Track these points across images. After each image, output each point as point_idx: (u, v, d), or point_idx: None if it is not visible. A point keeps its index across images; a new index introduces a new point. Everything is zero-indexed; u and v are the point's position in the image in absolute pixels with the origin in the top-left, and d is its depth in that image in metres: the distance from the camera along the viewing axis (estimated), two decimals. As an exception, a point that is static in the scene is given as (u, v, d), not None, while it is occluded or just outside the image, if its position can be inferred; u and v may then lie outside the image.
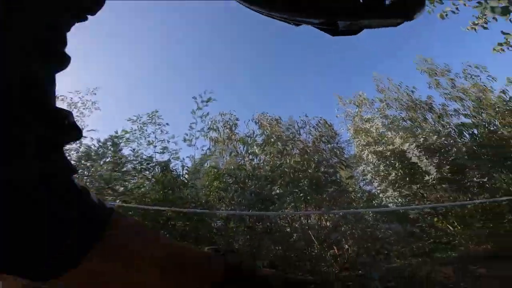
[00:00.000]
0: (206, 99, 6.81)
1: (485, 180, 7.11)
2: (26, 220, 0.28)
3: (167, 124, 6.81)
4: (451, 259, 5.98)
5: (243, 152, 6.64)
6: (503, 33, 2.99)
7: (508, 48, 3.26)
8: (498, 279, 4.32)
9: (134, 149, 6.50)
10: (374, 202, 7.42)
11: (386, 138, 7.69)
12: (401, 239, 5.97)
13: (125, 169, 6.36)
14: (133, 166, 6.41)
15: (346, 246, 6.19)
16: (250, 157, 6.37)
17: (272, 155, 6.08)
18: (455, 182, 7.03)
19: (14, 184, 0.27)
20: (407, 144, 6.80)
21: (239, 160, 6.64)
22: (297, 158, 5.46)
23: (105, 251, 0.33)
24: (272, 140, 6.03)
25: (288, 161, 5.46)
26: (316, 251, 5.61)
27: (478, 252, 6.33)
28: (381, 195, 7.14)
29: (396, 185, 7.00)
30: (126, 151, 6.64)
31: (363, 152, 7.83)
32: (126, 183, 6.24)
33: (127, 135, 6.52)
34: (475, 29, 3.56)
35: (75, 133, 0.35)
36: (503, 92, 11.55)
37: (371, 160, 7.40)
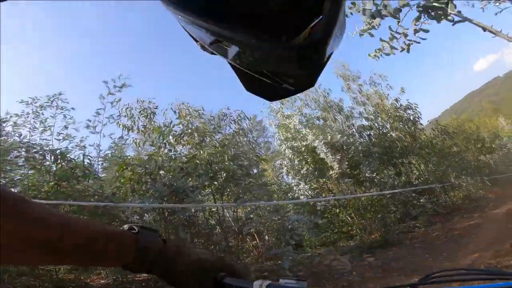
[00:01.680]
0: (120, 85, 6.07)
1: (375, 175, 8.29)
2: None
3: (72, 108, 6.10)
4: (349, 248, 6.79)
5: (159, 142, 6.11)
6: (381, 40, 3.21)
7: (381, 56, 3.44)
8: (381, 268, 5.01)
9: (21, 135, 5.71)
10: (289, 194, 7.87)
11: (301, 135, 8.23)
12: (311, 229, 6.42)
13: (9, 157, 5.45)
14: (19, 153, 5.54)
15: (267, 238, 6.40)
16: (168, 147, 5.92)
17: (189, 146, 5.75)
18: (353, 176, 8.04)
19: None
20: (317, 141, 7.38)
21: (153, 150, 6.08)
22: (213, 150, 5.26)
23: None
24: (190, 131, 5.67)
25: (203, 153, 5.21)
26: (234, 242, 5.66)
27: (371, 240, 7.39)
28: (295, 188, 7.61)
29: (307, 178, 7.56)
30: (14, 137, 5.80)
31: (281, 147, 8.21)
32: (11, 173, 5.46)
33: (15, 119, 5.73)
34: (369, 33, 3.52)
35: None
36: (396, 100, 13.79)
37: (288, 154, 7.82)
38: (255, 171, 6.46)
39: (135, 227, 0.49)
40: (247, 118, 6.86)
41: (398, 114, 13.46)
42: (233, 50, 0.32)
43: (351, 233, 7.37)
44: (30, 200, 0.41)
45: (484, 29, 2.87)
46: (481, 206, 10.85)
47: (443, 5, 2.32)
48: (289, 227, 4.98)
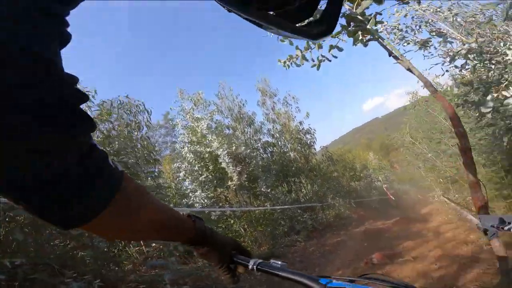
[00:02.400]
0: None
1: (269, 190, 8.63)
2: (61, 175, 0.31)
3: None
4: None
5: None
6: (297, 48, 3.13)
7: (292, 64, 3.44)
8: (265, 283, 4.95)
9: None
10: (184, 200, 7.25)
11: (207, 140, 7.82)
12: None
13: None
14: None
15: (154, 245, 5.52)
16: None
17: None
18: (250, 189, 8.14)
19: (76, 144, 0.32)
20: (222, 149, 7.13)
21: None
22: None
23: (119, 207, 0.38)
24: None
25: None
26: (116, 250, 4.67)
27: (260, 252, 7.48)
28: (191, 194, 7.07)
29: (205, 186, 7.16)
30: None
31: (184, 149, 7.57)
32: None
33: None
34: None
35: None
36: (300, 123, 15.17)
37: (189, 158, 7.25)
38: (155, 170, 5.66)
39: (191, 216, 0.67)
40: (147, 111, 5.99)
41: (298, 136, 14.84)
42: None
43: (243, 244, 7.33)
44: (147, 190, 0.50)
45: (390, 54, 3.16)
46: (347, 224, 12.78)
47: (365, 21, 2.39)
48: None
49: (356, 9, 2.35)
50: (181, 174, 7.02)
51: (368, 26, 2.37)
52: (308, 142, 15.06)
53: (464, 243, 5.64)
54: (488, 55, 4.18)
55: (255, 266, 0.69)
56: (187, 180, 7.01)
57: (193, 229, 0.64)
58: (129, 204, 0.42)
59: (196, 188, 6.89)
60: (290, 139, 14.71)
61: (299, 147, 14.59)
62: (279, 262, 0.69)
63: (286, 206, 9.59)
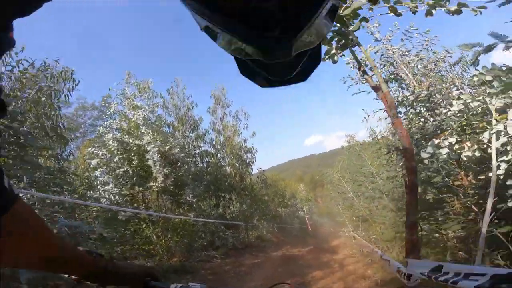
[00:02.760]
0: None
1: (195, 200, 8.05)
2: None
3: None
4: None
5: None
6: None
7: None
8: None
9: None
10: (89, 192, 6.13)
11: (140, 132, 6.96)
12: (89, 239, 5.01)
13: None
14: None
15: None
16: None
17: None
18: (175, 195, 7.42)
19: None
20: (153, 145, 6.40)
21: None
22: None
23: (3, 229, 0.38)
24: None
25: None
26: None
27: (170, 263, 6.69)
28: (99, 187, 6.00)
29: (122, 181, 6.21)
30: None
31: (107, 135, 6.54)
32: None
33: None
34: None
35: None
36: (244, 140, 15.11)
37: (111, 146, 6.26)
38: (59, 151, 4.62)
39: (92, 251, 0.66)
40: (73, 80, 5.00)
41: (239, 153, 14.70)
42: (220, 36, 0.34)
43: (152, 251, 6.45)
44: (44, 224, 0.53)
45: (359, 68, 3.20)
46: (267, 247, 12.86)
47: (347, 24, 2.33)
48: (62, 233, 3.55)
49: (343, 11, 2.30)
50: (94, 162, 5.95)
51: (351, 28, 2.33)
52: (247, 161, 15.00)
53: (362, 278, 5.99)
54: (433, 105, 4.58)
55: None
56: (99, 169, 5.95)
57: (91, 265, 0.62)
58: (17, 230, 0.41)
59: (109, 181, 5.88)
60: (230, 154, 14.44)
61: (237, 164, 14.39)
62: (199, 285, 0.71)
63: (210, 220, 9.06)
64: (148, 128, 7.10)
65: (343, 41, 2.68)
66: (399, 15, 2.94)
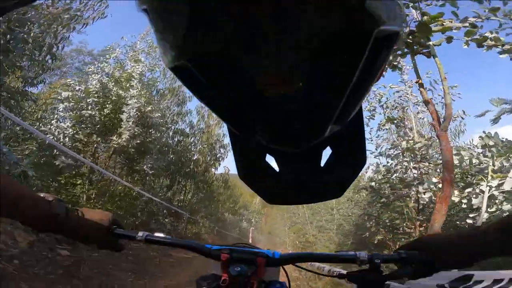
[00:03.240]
0: None
1: (150, 173, 7.37)
2: None
3: None
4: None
5: None
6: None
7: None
8: None
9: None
10: (39, 124, 5.26)
11: (128, 84, 6.31)
12: (29, 182, 4.25)
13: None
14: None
15: None
16: None
17: None
18: (131, 160, 6.76)
19: None
20: (135, 100, 5.79)
21: None
22: None
23: None
24: None
25: None
26: None
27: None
28: (54, 121, 5.14)
29: (82, 124, 5.41)
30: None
31: (94, 75, 5.78)
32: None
33: None
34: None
35: None
36: (224, 134, 14.63)
37: (92, 86, 5.51)
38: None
39: (49, 196, 0.59)
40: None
41: (214, 144, 14.16)
42: None
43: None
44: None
45: (418, 81, 3.22)
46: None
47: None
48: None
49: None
50: (65, 94, 5.09)
51: (433, 42, 2.28)
52: (218, 155, 14.44)
53: None
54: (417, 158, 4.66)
55: (143, 238, 0.69)
56: (65, 103, 5.10)
57: (48, 211, 0.56)
58: None
59: (67, 118, 5.06)
60: (205, 142, 13.84)
61: (208, 154, 13.79)
62: (164, 235, 0.73)
63: (156, 199, 8.37)
64: (139, 83, 6.45)
65: (415, 47, 2.63)
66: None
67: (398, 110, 5.65)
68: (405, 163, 4.70)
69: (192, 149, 12.74)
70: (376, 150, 5.63)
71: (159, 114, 6.85)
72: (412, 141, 4.74)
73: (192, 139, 12.73)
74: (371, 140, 5.83)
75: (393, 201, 4.87)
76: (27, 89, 4.22)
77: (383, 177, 5.20)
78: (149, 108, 6.33)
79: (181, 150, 11.07)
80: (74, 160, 4.92)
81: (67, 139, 4.93)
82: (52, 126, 4.86)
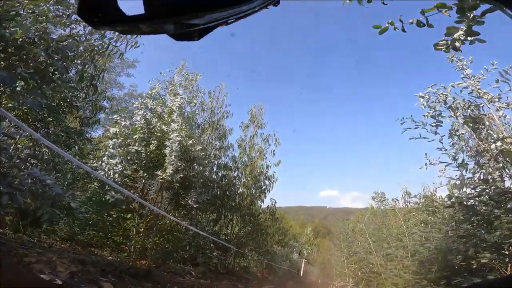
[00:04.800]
0: None
1: (195, 206, 7.11)
2: None
3: None
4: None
5: None
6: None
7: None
8: None
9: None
10: (91, 160, 5.51)
11: (170, 118, 6.43)
12: (74, 215, 4.30)
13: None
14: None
15: None
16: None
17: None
18: (176, 194, 6.62)
19: None
20: (177, 134, 5.79)
21: None
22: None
23: None
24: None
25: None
26: None
27: (137, 265, 5.78)
28: (105, 158, 5.34)
29: (129, 159, 5.52)
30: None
31: (139, 111, 6.04)
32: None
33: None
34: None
35: None
36: (267, 166, 14.15)
37: (137, 122, 5.72)
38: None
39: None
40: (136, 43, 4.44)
41: (258, 177, 13.58)
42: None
43: (123, 246, 5.55)
44: None
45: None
46: (248, 280, 11.46)
47: None
48: None
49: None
50: (113, 130, 5.32)
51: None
52: (263, 187, 13.77)
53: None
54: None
55: None
56: (114, 140, 5.31)
57: None
58: None
59: (116, 155, 5.21)
60: (249, 175, 13.42)
61: (252, 187, 13.25)
62: None
63: (204, 233, 8.02)
64: (180, 116, 6.54)
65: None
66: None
67: (472, 110, 4.50)
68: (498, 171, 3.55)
69: (237, 182, 12.40)
70: (455, 161, 4.43)
71: (200, 147, 6.77)
72: (505, 141, 3.60)
73: (236, 172, 12.45)
74: (445, 150, 4.62)
75: (497, 217, 3.60)
76: (83, 128, 4.43)
77: (473, 190, 4.02)
78: (190, 142, 6.30)
79: (225, 184, 10.83)
80: (124, 196, 4.92)
81: (116, 175, 4.99)
82: (103, 163, 5.00)
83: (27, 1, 3.04)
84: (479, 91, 4.39)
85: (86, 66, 3.83)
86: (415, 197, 10.08)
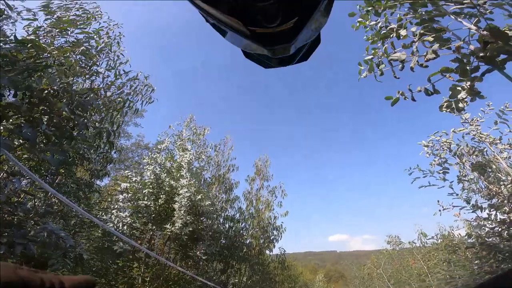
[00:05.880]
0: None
1: (204, 258, 6.71)
2: None
3: None
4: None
5: None
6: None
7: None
8: None
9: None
10: (101, 213, 5.46)
11: (179, 174, 6.52)
12: (84, 264, 4.15)
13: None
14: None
15: None
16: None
17: None
18: (184, 246, 6.35)
19: None
20: (186, 189, 5.83)
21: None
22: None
23: None
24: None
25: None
26: None
27: None
28: (114, 211, 5.31)
29: (139, 214, 5.49)
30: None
31: (149, 167, 6.19)
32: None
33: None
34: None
35: None
36: (275, 217, 13.66)
37: (147, 177, 5.79)
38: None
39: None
40: (148, 86, 4.76)
41: (266, 228, 12.92)
42: (226, 32, 0.34)
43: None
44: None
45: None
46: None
47: None
48: None
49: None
50: (124, 185, 5.45)
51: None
52: (271, 237, 13.03)
53: None
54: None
55: None
56: (124, 194, 5.39)
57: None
58: None
59: (126, 209, 5.21)
60: (257, 226, 12.80)
61: (261, 238, 12.54)
62: None
63: (211, 284, 7.39)
64: (189, 172, 6.65)
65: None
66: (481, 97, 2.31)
67: (476, 156, 4.61)
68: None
69: (244, 233, 11.85)
70: (468, 204, 4.48)
71: (209, 202, 6.75)
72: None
73: (243, 224, 11.97)
74: (457, 195, 4.71)
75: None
76: (93, 180, 4.49)
77: (491, 230, 3.98)
78: (199, 197, 6.30)
79: (233, 235, 10.38)
80: (131, 246, 4.76)
81: (125, 227, 4.92)
82: (112, 216, 4.96)
83: (56, 52, 3.26)
84: (480, 135, 4.58)
85: (103, 122, 3.99)
86: (432, 238, 9.92)
